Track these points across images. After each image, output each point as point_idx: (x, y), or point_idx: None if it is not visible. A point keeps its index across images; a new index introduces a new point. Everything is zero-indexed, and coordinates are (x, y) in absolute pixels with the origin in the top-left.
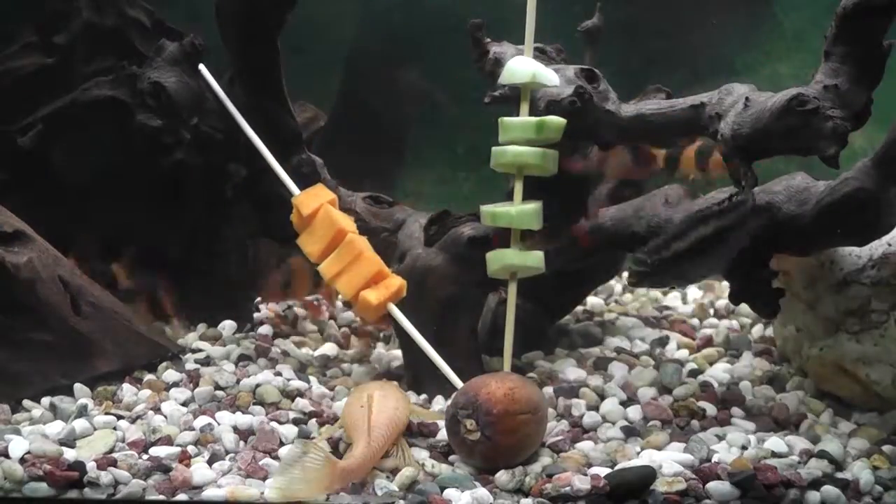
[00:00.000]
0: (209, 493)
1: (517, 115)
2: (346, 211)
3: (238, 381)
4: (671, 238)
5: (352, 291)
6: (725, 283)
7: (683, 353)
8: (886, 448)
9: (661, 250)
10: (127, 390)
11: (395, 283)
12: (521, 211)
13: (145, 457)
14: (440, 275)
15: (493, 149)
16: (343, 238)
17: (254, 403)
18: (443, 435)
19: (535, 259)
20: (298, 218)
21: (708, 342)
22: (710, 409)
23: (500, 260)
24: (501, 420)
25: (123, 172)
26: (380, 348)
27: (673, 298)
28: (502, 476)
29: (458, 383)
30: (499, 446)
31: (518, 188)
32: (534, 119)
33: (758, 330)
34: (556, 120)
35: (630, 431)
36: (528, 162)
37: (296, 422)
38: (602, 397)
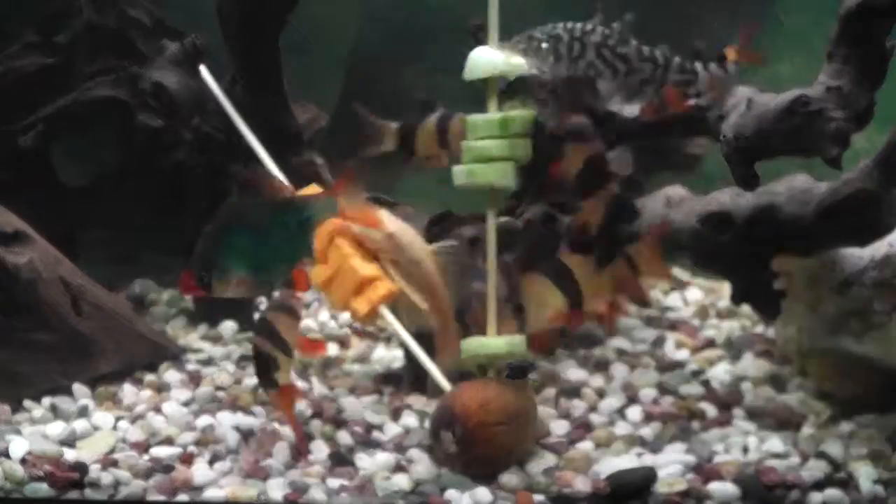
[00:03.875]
0: (210, 493)
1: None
2: None
3: (239, 382)
4: None
5: (341, 303)
6: (727, 284)
7: (684, 354)
8: (887, 449)
9: None
10: (128, 391)
11: (385, 286)
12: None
13: (146, 457)
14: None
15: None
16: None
17: (255, 404)
18: None
19: (517, 345)
20: None
21: (709, 343)
22: (711, 410)
23: (475, 350)
24: (476, 432)
25: (124, 173)
26: (381, 348)
27: (674, 299)
28: (505, 476)
29: (448, 387)
30: (475, 458)
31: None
32: (497, 115)
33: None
34: (522, 114)
35: (631, 432)
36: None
37: None
38: (603, 398)
